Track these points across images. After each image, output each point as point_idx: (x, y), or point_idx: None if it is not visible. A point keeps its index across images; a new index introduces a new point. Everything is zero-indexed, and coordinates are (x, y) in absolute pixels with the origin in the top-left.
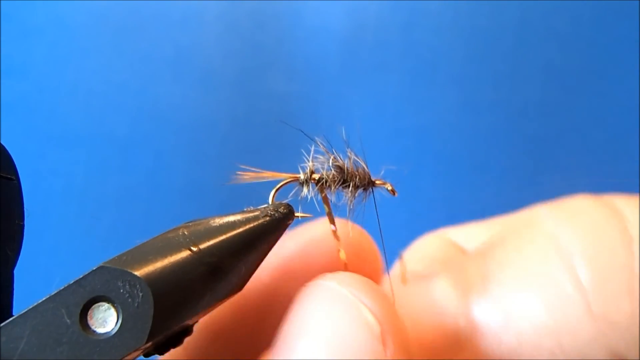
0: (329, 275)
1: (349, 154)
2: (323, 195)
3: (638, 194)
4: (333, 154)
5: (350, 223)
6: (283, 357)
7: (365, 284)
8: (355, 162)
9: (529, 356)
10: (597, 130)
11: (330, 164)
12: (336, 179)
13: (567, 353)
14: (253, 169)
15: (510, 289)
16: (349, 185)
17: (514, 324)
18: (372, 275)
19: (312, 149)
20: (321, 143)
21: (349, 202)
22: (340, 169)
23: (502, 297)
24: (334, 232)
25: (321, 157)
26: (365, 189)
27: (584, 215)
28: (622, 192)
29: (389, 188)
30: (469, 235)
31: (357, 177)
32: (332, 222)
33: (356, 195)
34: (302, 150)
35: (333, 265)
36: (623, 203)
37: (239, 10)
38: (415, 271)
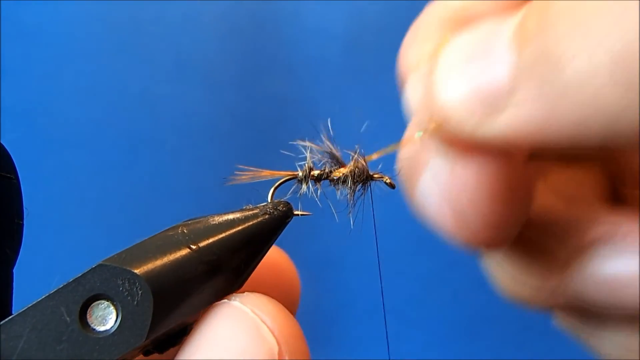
0: (235, 295)
1: (352, 153)
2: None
3: (637, 193)
4: (330, 148)
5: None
6: None
7: (269, 303)
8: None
9: (562, 117)
10: None
11: (326, 155)
12: (334, 174)
13: (596, 119)
14: (252, 168)
15: (564, 45)
16: (348, 179)
17: (557, 80)
18: (289, 295)
19: (309, 145)
20: (315, 142)
21: (348, 197)
22: (335, 160)
23: (554, 51)
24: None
25: (316, 146)
26: (363, 184)
27: None
28: None
29: (387, 181)
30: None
31: (356, 172)
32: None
33: (355, 190)
34: (300, 148)
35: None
36: None
37: (239, 12)
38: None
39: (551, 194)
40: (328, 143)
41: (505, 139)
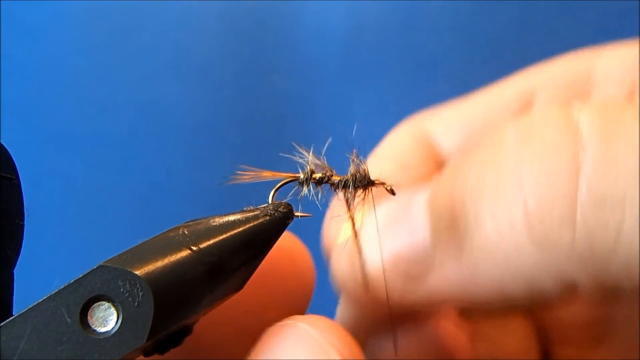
0: (300, 317)
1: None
2: (343, 196)
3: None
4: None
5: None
6: None
7: (335, 328)
8: (356, 164)
9: (484, 278)
10: None
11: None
12: (335, 179)
13: (516, 277)
14: (253, 169)
15: (471, 211)
16: (349, 184)
17: (470, 246)
18: (304, 283)
19: (312, 149)
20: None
21: (350, 201)
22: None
23: (462, 218)
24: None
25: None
26: (364, 189)
27: (539, 136)
28: None
29: (388, 188)
30: (448, 124)
31: (356, 176)
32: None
33: (356, 195)
34: (302, 150)
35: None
36: (586, 117)
37: (239, 10)
38: (388, 173)
39: (484, 341)
40: (315, 159)
41: (430, 301)
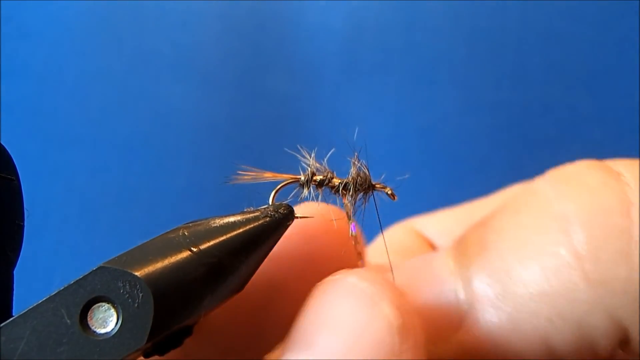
0: (348, 271)
1: (352, 160)
2: (345, 201)
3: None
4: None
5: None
6: (300, 352)
7: (384, 280)
8: (357, 167)
9: (528, 325)
10: (597, 130)
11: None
12: (335, 182)
13: (566, 320)
14: (253, 170)
15: (509, 258)
16: (349, 188)
17: (511, 293)
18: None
19: (314, 152)
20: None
21: (350, 205)
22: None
23: (500, 266)
24: (354, 237)
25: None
26: (365, 192)
27: (581, 180)
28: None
29: (389, 192)
30: (438, 225)
31: (358, 180)
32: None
33: (357, 198)
34: (304, 152)
35: (336, 262)
36: (622, 166)
37: (239, 11)
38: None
39: None
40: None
41: (464, 353)
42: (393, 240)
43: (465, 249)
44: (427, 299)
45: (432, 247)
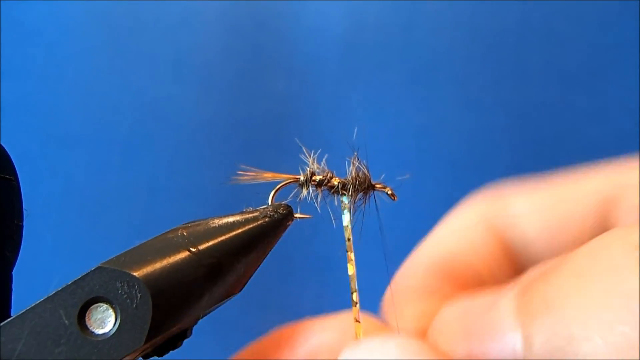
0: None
1: (352, 160)
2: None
3: None
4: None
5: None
6: None
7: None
8: (357, 167)
9: None
10: (598, 130)
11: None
12: (335, 182)
13: None
14: (253, 170)
15: (573, 327)
16: (349, 188)
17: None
18: None
19: (314, 152)
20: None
21: (350, 205)
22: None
23: (563, 334)
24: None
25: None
26: (365, 193)
27: None
28: None
29: (389, 192)
30: (523, 211)
31: (357, 180)
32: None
33: (356, 199)
34: (304, 150)
35: None
36: None
37: (239, 11)
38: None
39: None
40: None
41: None
42: (463, 229)
43: (529, 302)
44: (486, 351)
45: (506, 253)
